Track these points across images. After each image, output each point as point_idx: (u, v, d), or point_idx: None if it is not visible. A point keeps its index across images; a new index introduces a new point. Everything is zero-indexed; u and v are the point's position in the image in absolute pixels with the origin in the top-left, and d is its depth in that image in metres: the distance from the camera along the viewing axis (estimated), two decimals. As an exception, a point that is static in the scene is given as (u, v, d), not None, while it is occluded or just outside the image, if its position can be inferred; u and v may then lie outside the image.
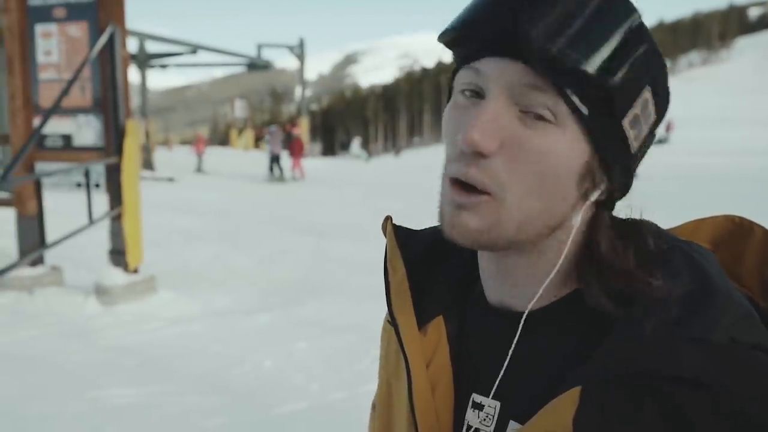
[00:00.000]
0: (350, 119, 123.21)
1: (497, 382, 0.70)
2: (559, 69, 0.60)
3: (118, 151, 6.39)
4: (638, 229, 0.68)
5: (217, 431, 3.76)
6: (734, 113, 70.87)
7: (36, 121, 6.53)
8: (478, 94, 0.65)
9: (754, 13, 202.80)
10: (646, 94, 0.64)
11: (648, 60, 0.64)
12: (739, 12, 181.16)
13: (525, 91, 0.62)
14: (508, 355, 0.70)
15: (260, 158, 24.19)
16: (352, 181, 20.18)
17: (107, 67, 6.39)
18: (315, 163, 27.71)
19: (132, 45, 29.62)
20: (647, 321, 0.60)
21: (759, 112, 67.75)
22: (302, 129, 33.53)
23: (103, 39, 6.22)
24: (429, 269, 0.80)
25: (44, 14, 6.56)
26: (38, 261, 6.67)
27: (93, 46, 6.25)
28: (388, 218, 0.83)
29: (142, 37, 26.51)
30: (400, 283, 0.78)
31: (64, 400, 4.14)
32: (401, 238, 0.82)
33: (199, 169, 23.32)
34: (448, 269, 0.80)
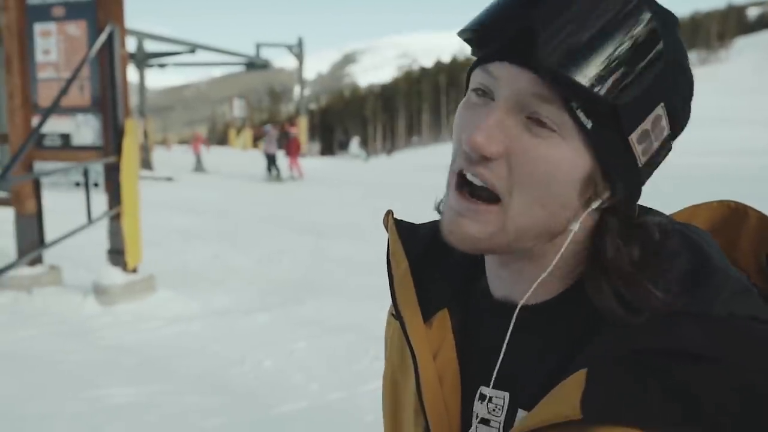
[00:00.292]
0: (349, 119, 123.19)
1: (495, 373, 0.72)
2: (564, 82, 0.61)
3: (117, 150, 6.39)
4: (644, 224, 0.68)
5: (216, 431, 3.76)
6: (733, 113, 70.90)
7: (35, 121, 6.52)
8: (488, 95, 0.66)
9: (752, 13, 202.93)
10: (659, 111, 0.65)
11: (664, 78, 0.64)
12: (737, 12, 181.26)
13: (533, 100, 0.63)
14: (503, 346, 0.71)
15: (259, 158, 24.15)
16: (350, 180, 20.17)
17: (106, 67, 6.38)
18: (314, 163, 27.70)
19: (131, 44, 29.60)
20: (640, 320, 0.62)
21: (758, 112, 67.76)
22: (301, 128, 33.53)
23: (102, 38, 6.21)
24: (431, 263, 0.81)
25: (43, 13, 6.55)
26: (37, 260, 6.66)
27: (92, 45, 6.25)
28: (389, 212, 0.84)
29: (141, 36, 26.49)
30: (404, 276, 0.79)
31: (63, 400, 4.14)
32: (403, 232, 0.83)
33: (196, 169, 23.22)
34: (451, 264, 0.81)
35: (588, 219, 0.68)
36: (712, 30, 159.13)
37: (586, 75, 0.60)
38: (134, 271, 6.56)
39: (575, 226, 0.67)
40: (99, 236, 7.06)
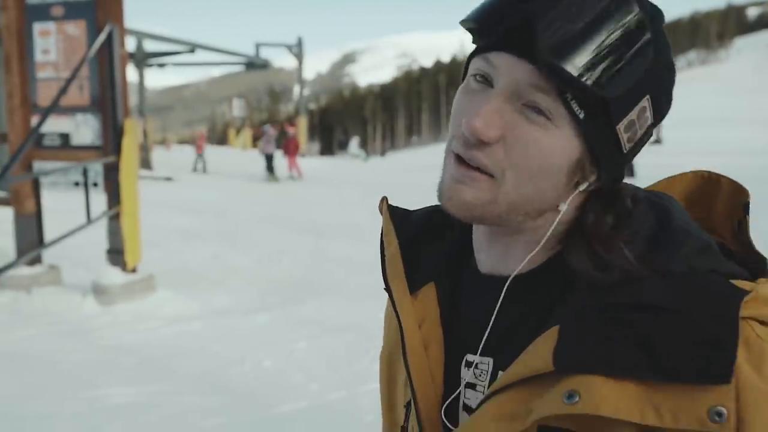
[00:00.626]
0: (348, 119, 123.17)
1: (484, 339, 0.76)
2: (561, 75, 0.64)
3: (116, 150, 6.38)
4: (619, 192, 0.74)
5: (216, 431, 3.76)
6: (733, 113, 70.89)
7: (34, 120, 6.52)
8: (487, 81, 0.70)
9: (752, 12, 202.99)
10: (644, 102, 0.70)
11: (651, 72, 0.68)
12: (737, 12, 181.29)
13: (529, 89, 0.67)
14: (493, 314, 0.76)
15: (258, 158, 24.14)
16: (350, 180, 20.17)
17: (105, 66, 6.37)
18: (313, 163, 27.70)
19: (130, 44, 29.61)
20: (610, 280, 0.67)
21: (758, 112, 67.73)
22: (300, 128, 33.52)
23: (102, 38, 6.21)
24: (422, 245, 0.87)
25: (42, 13, 6.55)
26: (36, 260, 6.66)
27: (91, 45, 6.24)
28: (384, 198, 0.90)
29: (141, 36, 26.48)
30: (394, 253, 0.86)
31: (63, 400, 4.13)
32: (396, 216, 0.89)
33: (195, 169, 23.00)
34: (440, 245, 0.86)
35: (575, 199, 0.74)
36: (712, 30, 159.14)
37: (579, 68, 0.64)
38: (134, 271, 6.55)
39: (564, 207, 0.73)
40: (98, 236, 7.06)
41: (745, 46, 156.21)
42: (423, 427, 0.77)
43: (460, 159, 0.71)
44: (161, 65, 30.42)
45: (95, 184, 6.48)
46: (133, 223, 6.55)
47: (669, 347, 0.61)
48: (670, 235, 0.69)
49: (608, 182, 0.73)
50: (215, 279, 7.46)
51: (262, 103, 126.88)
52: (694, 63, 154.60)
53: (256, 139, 38.18)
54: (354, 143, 41.10)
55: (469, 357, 0.78)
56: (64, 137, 6.62)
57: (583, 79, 0.64)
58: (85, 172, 6.34)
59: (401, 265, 0.84)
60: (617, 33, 0.66)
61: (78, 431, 3.77)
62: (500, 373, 0.73)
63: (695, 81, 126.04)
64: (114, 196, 6.47)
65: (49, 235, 6.63)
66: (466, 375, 0.78)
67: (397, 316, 0.80)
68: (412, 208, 0.93)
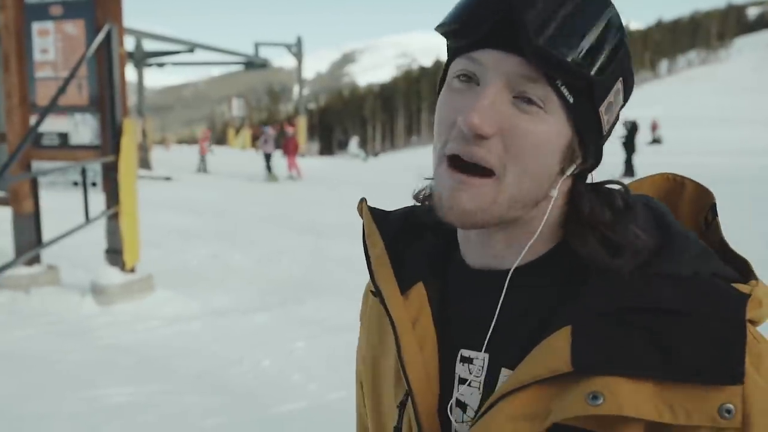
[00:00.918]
0: (348, 118, 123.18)
1: (489, 334, 0.76)
2: (551, 62, 0.67)
3: (115, 149, 6.37)
4: (609, 191, 0.77)
5: (215, 431, 3.75)
6: (733, 113, 70.94)
7: (33, 120, 6.51)
8: (472, 80, 0.72)
9: (752, 12, 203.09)
10: (618, 85, 0.73)
11: (622, 54, 0.72)
12: (737, 11, 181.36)
13: (520, 81, 0.69)
14: (497, 309, 0.76)
15: (258, 157, 24.14)
16: (349, 180, 20.16)
17: (104, 66, 6.36)
18: (313, 163, 27.70)
19: (129, 43, 29.55)
20: (624, 265, 0.70)
21: (758, 112, 67.79)
22: (300, 128, 33.51)
23: (100, 37, 6.20)
24: (405, 242, 0.87)
25: (41, 12, 6.53)
26: (34, 260, 6.65)
27: (90, 45, 6.23)
28: (363, 200, 0.91)
29: (140, 35, 26.45)
30: (380, 255, 0.86)
31: (61, 400, 4.12)
32: (377, 217, 0.90)
33: (199, 169, 22.82)
34: (422, 245, 0.87)
35: (563, 185, 0.76)
36: (712, 30, 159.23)
37: (569, 54, 0.67)
38: (132, 270, 6.55)
39: (554, 192, 0.75)
40: (97, 236, 7.05)
41: (745, 45, 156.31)
42: (422, 425, 0.78)
43: (454, 165, 0.71)
44: (160, 65, 30.40)
45: (94, 184, 6.47)
46: (132, 223, 6.55)
47: (685, 349, 0.64)
48: (673, 240, 0.72)
49: (592, 165, 0.76)
50: (214, 279, 7.45)
51: (262, 102, 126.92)
52: (694, 63, 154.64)
53: (255, 139, 38.18)
54: (353, 143, 41.12)
55: (464, 352, 0.79)
56: (63, 137, 6.61)
57: (573, 61, 0.67)
58: (83, 172, 6.33)
59: (389, 267, 0.85)
60: (597, 17, 0.69)
61: (77, 431, 3.76)
62: (503, 370, 0.74)
63: (695, 81, 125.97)
64: (113, 196, 6.46)
65: (47, 234, 6.62)
66: (461, 370, 0.79)
67: (390, 318, 0.80)
68: (390, 209, 0.93)
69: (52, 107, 5.83)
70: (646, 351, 0.64)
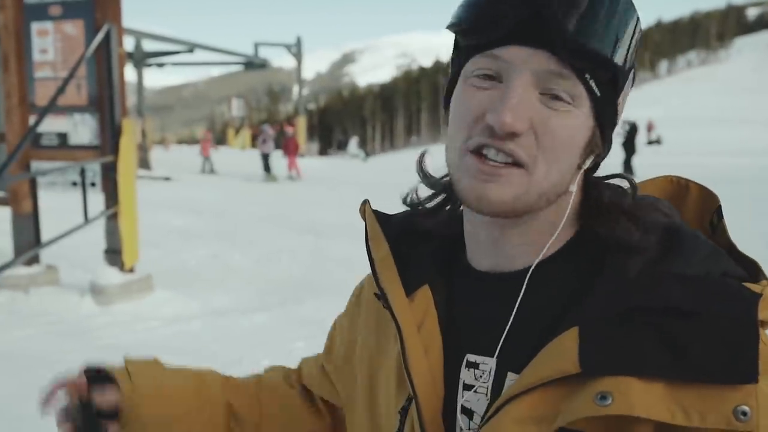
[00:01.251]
0: (348, 119, 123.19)
1: (502, 339, 0.75)
2: (584, 56, 0.67)
3: (114, 149, 6.37)
4: (617, 187, 0.78)
5: (213, 431, 3.75)
6: (733, 113, 70.95)
7: (32, 120, 6.51)
8: (495, 78, 0.70)
9: (752, 13, 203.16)
10: (630, 75, 0.74)
11: (637, 47, 0.73)
12: (737, 12, 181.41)
13: (549, 77, 0.68)
14: (512, 313, 0.75)
15: (257, 157, 24.13)
16: (349, 180, 20.16)
17: (103, 66, 6.36)
18: (312, 163, 27.70)
19: (129, 43, 29.54)
20: (632, 262, 0.69)
21: (758, 112, 67.80)
22: (299, 128, 33.51)
23: (99, 37, 6.20)
24: (409, 246, 0.86)
25: (40, 12, 6.53)
26: (34, 260, 6.64)
27: (89, 45, 6.23)
28: (365, 202, 0.90)
29: (139, 35, 26.45)
30: (385, 257, 0.84)
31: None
32: (380, 219, 0.89)
33: (203, 170, 22.56)
34: (425, 248, 0.86)
35: (579, 179, 0.76)
36: (712, 30, 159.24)
37: (602, 45, 0.67)
38: (131, 270, 6.54)
39: (574, 187, 0.75)
40: (96, 236, 7.04)
41: (745, 46, 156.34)
42: (426, 431, 0.76)
43: (481, 157, 0.70)
44: (160, 65, 30.40)
45: (93, 184, 6.47)
46: (131, 223, 6.54)
47: (697, 349, 0.62)
48: (682, 239, 0.71)
49: (604, 156, 0.77)
50: (214, 279, 7.45)
51: (261, 103, 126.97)
52: (694, 63, 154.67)
53: (255, 139, 38.20)
54: (353, 143, 41.14)
55: (470, 357, 0.77)
56: (62, 137, 6.61)
57: (609, 54, 0.68)
58: (82, 172, 6.33)
59: (394, 269, 0.83)
60: (623, 8, 0.69)
61: None
62: (509, 374, 0.73)
63: (695, 81, 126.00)
64: (112, 196, 6.45)
65: (46, 234, 6.62)
66: (466, 375, 0.77)
67: (396, 321, 0.79)
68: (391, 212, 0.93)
69: (51, 107, 5.82)
70: (656, 351, 0.63)
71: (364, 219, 0.89)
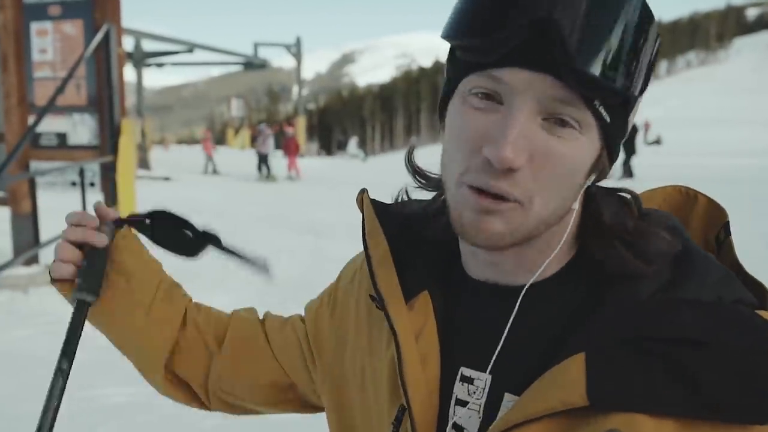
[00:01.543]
0: (347, 119, 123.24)
1: (495, 355, 0.71)
2: (595, 86, 0.60)
3: (113, 149, 6.37)
4: (623, 199, 0.73)
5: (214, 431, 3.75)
6: (732, 114, 71.00)
7: (31, 120, 6.51)
8: (494, 98, 0.64)
9: (751, 13, 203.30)
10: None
11: (655, 56, 0.66)
12: (737, 12, 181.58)
13: (554, 104, 0.62)
14: (505, 329, 0.71)
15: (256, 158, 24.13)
16: (349, 181, 20.16)
17: (102, 66, 6.36)
18: (312, 163, 27.71)
19: (128, 43, 29.59)
20: (642, 286, 0.65)
21: (757, 113, 67.84)
22: (299, 128, 33.53)
23: (99, 37, 6.20)
24: (409, 244, 0.80)
25: (39, 12, 6.54)
26: (33, 260, 6.64)
27: (88, 45, 6.23)
28: (363, 191, 0.84)
29: (138, 35, 26.46)
30: (384, 256, 0.79)
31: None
32: (380, 212, 0.83)
33: (206, 171, 22.36)
34: (427, 245, 0.81)
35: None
36: (711, 30, 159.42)
37: (613, 73, 0.60)
38: (131, 270, 6.54)
39: (576, 205, 0.70)
40: (96, 236, 7.04)
41: (744, 46, 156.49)
42: None
43: (478, 191, 0.65)
44: (159, 65, 30.42)
45: (92, 184, 6.47)
46: (131, 223, 6.54)
47: (709, 383, 0.58)
48: (693, 261, 0.67)
49: (609, 168, 0.71)
50: (213, 279, 7.44)
51: (261, 103, 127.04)
52: (694, 63, 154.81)
53: (254, 139, 38.21)
54: (353, 143, 41.16)
55: (465, 371, 0.73)
56: (61, 137, 6.61)
57: (615, 83, 0.61)
58: (81, 172, 6.33)
59: (394, 272, 0.78)
60: (641, 30, 0.62)
61: (74, 431, 3.75)
62: (506, 395, 0.69)
63: (694, 81, 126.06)
64: (111, 196, 6.45)
65: (46, 234, 6.62)
66: (459, 390, 0.73)
67: (393, 329, 0.74)
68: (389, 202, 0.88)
69: (51, 107, 5.83)
70: (667, 384, 0.59)
71: (362, 210, 0.84)
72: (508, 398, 0.69)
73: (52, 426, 0.90)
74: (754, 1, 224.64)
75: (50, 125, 6.51)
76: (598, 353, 0.62)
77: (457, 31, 0.64)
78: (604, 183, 0.75)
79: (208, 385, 1.11)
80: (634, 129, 18.62)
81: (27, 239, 6.49)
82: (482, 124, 0.64)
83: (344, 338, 0.91)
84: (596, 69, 0.59)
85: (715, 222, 0.74)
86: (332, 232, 10.48)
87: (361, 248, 0.82)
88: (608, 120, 0.64)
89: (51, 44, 6.54)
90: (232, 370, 1.08)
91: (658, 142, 38.40)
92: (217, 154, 23.24)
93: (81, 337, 0.99)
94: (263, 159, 20.62)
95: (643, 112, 55.53)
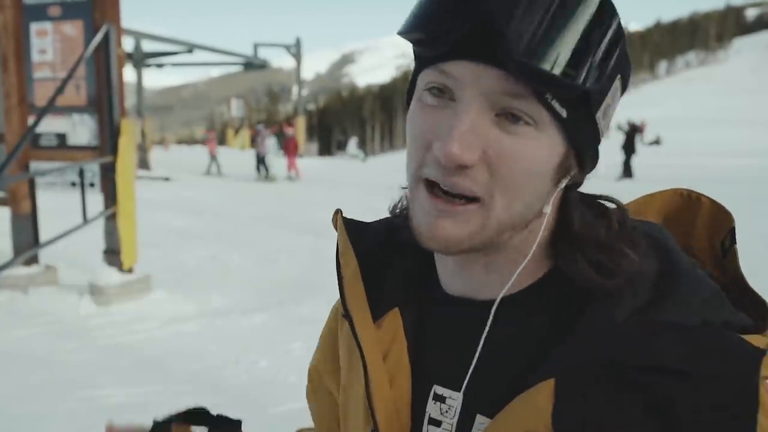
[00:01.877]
0: (347, 119, 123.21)
1: (468, 375, 0.68)
2: (537, 77, 0.57)
3: (113, 150, 6.37)
4: (604, 209, 0.69)
5: None
6: (732, 114, 71.02)
7: (31, 120, 6.51)
8: (446, 94, 0.62)
9: (751, 13, 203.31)
10: (617, 83, 0.64)
11: (619, 49, 0.62)
12: (736, 12, 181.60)
13: (503, 98, 0.59)
14: (479, 345, 0.68)
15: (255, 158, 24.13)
16: (348, 181, 20.17)
17: (102, 66, 6.36)
18: (312, 163, 27.70)
19: (128, 44, 29.58)
20: (620, 306, 0.61)
21: (757, 113, 67.88)
22: (299, 128, 33.53)
23: (98, 38, 6.20)
24: (382, 262, 0.79)
25: (39, 12, 6.54)
26: (32, 260, 6.65)
27: (88, 45, 6.23)
28: (338, 211, 0.83)
29: (138, 36, 26.46)
30: (353, 275, 0.77)
31: (59, 400, 4.12)
32: (352, 231, 0.81)
33: (209, 172, 22.21)
34: (402, 261, 0.78)
35: (555, 198, 0.67)
36: (711, 31, 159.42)
37: (558, 65, 0.57)
38: (130, 271, 6.54)
39: (548, 209, 0.66)
40: (95, 236, 7.05)
41: (743, 46, 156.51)
42: None
43: (432, 188, 0.63)
44: (159, 65, 30.42)
45: (92, 185, 6.47)
46: (130, 224, 6.54)
47: (687, 417, 0.54)
48: (678, 279, 0.62)
49: (588, 170, 0.68)
50: (212, 279, 7.45)
51: (261, 103, 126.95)
52: (693, 64, 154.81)
53: (254, 141, 38.18)
54: (352, 143, 41.16)
55: (438, 389, 0.71)
56: (61, 137, 6.61)
57: (564, 75, 0.57)
58: (81, 173, 6.33)
59: (362, 290, 0.76)
60: (587, 18, 0.59)
61: (74, 431, 3.75)
62: (478, 416, 0.66)
63: (694, 82, 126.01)
64: (110, 197, 6.45)
65: (45, 235, 6.62)
66: (432, 409, 0.71)
67: (360, 349, 0.72)
68: (368, 221, 0.85)
69: (50, 107, 5.83)
70: (641, 417, 0.55)
71: (337, 230, 0.82)
72: (480, 420, 0.66)
73: None
74: (754, 2, 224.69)
75: (50, 125, 6.51)
76: (568, 381, 0.58)
77: (407, 26, 0.63)
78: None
79: None
80: (634, 129, 18.61)
81: (27, 239, 6.49)
82: (433, 121, 0.62)
83: (328, 352, 0.90)
84: (538, 60, 0.56)
85: (721, 226, 0.70)
86: (332, 233, 10.33)
87: None
88: (564, 115, 0.60)
89: (51, 45, 6.54)
90: None
91: (657, 142, 38.43)
92: (218, 154, 23.19)
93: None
94: (261, 159, 20.63)
95: (644, 113, 55.52)
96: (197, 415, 0.97)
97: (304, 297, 6.65)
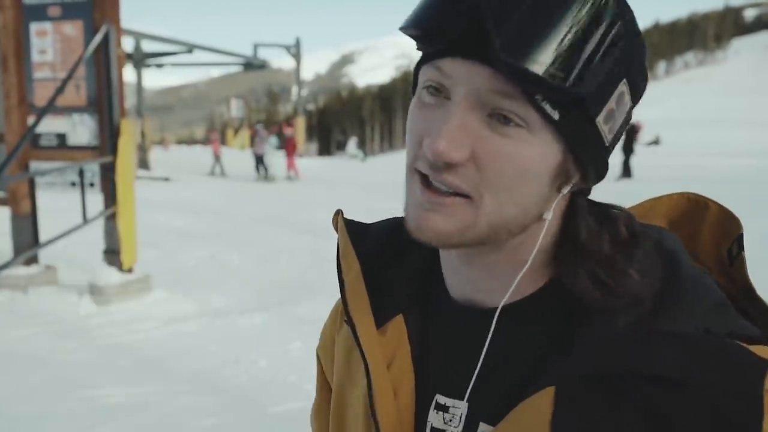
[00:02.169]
0: (347, 119, 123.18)
1: (471, 384, 0.67)
2: (524, 78, 0.56)
3: (113, 150, 6.37)
4: (611, 215, 0.67)
5: (212, 431, 3.75)
6: (731, 114, 71.05)
7: (31, 120, 6.51)
8: (442, 93, 0.62)
9: (749, 14, 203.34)
10: (622, 87, 0.62)
11: (626, 53, 0.60)
12: (735, 13, 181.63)
13: (493, 97, 0.59)
14: (481, 354, 0.67)
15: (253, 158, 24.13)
16: (348, 181, 20.17)
17: (102, 67, 6.37)
18: (311, 163, 27.70)
19: (128, 44, 29.59)
20: (621, 316, 0.59)
21: (756, 113, 67.90)
22: (298, 129, 33.54)
23: (98, 38, 6.20)
24: (386, 265, 0.77)
25: (39, 13, 6.54)
26: (32, 260, 6.65)
27: (88, 45, 6.23)
28: (338, 212, 0.81)
29: (138, 36, 26.47)
30: (355, 280, 0.75)
31: (58, 400, 4.12)
32: (354, 233, 0.79)
33: (213, 172, 22.10)
34: (406, 263, 0.76)
35: (559, 205, 0.66)
36: (710, 31, 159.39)
37: (545, 66, 0.56)
38: (130, 271, 6.54)
39: (549, 215, 0.65)
40: (95, 236, 7.05)
41: (742, 47, 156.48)
42: None
43: (426, 182, 0.62)
44: (159, 65, 30.42)
45: (92, 185, 6.47)
46: (130, 224, 6.54)
47: (684, 426, 0.53)
48: (682, 288, 0.61)
49: (593, 179, 0.66)
50: (212, 279, 7.45)
51: (261, 103, 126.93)
52: (692, 64, 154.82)
53: (253, 140, 38.18)
54: (352, 143, 41.17)
55: (440, 399, 0.70)
56: (61, 137, 6.61)
57: (552, 77, 0.56)
58: (81, 173, 6.33)
59: (366, 296, 0.74)
60: (583, 19, 0.57)
61: (73, 431, 3.76)
62: (481, 425, 0.66)
63: (693, 82, 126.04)
64: (110, 197, 6.46)
65: (45, 235, 6.62)
66: (434, 418, 0.70)
67: (363, 356, 0.71)
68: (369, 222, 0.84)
69: (50, 108, 5.83)
70: (639, 428, 0.54)
71: (337, 232, 0.80)
72: (483, 428, 0.66)
73: None
74: (753, 2, 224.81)
75: (50, 126, 6.51)
76: (567, 389, 0.58)
77: (407, 21, 0.63)
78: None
79: None
80: (633, 129, 18.64)
81: (27, 239, 6.49)
82: (428, 118, 0.62)
83: (326, 361, 0.88)
84: (525, 61, 0.55)
85: (729, 232, 0.68)
86: (331, 232, 10.30)
87: None
88: (556, 118, 0.59)
89: (51, 45, 6.55)
90: None
91: (656, 142, 38.43)
92: (222, 155, 23.17)
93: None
94: (260, 159, 20.64)
95: (640, 113, 55.50)
96: None
97: (303, 297, 6.65)
